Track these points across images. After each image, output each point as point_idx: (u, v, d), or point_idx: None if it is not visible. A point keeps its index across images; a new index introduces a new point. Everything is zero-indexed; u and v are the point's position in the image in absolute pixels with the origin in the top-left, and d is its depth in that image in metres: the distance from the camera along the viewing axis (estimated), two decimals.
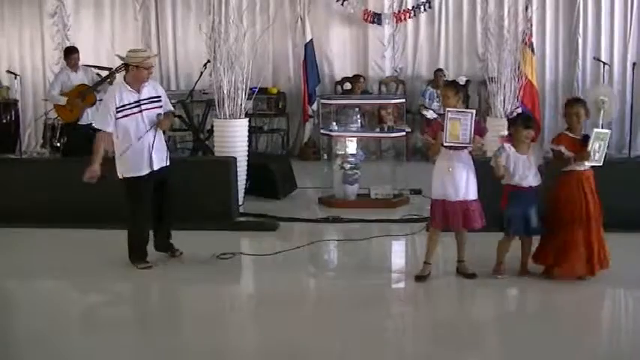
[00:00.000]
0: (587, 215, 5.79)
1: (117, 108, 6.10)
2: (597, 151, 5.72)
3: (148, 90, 6.27)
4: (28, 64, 13.21)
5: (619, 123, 11.76)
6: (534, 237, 5.98)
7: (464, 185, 5.84)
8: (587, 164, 5.79)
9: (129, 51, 6.35)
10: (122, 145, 6.18)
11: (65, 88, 9.60)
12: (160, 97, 6.37)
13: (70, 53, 9.84)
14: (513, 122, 6.06)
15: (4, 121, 12.16)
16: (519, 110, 8.81)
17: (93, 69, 9.93)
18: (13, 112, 12.27)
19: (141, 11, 12.87)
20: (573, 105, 5.89)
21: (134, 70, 6.16)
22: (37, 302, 5.83)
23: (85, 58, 10.15)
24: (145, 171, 6.21)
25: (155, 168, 6.25)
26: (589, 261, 5.80)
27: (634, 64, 11.47)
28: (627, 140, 11.69)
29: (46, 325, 5.26)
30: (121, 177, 6.29)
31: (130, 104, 6.13)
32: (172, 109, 6.68)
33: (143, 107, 6.19)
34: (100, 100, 10.09)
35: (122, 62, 6.46)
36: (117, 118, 6.12)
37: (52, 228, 7.64)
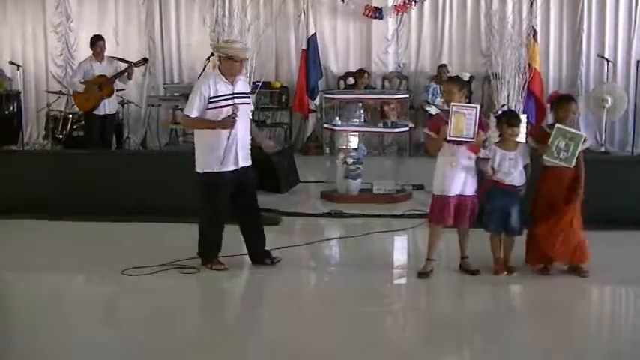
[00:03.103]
0: (559, 211, 5.79)
1: (210, 97, 5.82)
2: (563, 149, 5.64)
3: (241, 85, 6.02)
4: (31, 56, 13.17)
5: (622, 121, 11.75)
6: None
7: (462, 181, 5.84)
8: (549, 161, 5.71)
9: (223, 41, 6.14)
10: (209, 137, 5.89)
11: (87, 77, 9.67)
12: (249, 94, 6.14)
13: (96, 41, 9.86)
14: (498, 120, 6.07)
15: (7, 112, 12.15)
16: (505, 108, 8.82)
17: (118, 61, 9.93)
18: (15, 104, 12.26)
19: (145, 3, 12.83)
20: (570, 102, 5.87)
21: (226, 61, 5.87)
22: (36, 295, 5.79)
23: (88, 50, 10.14)
24: (229, 167, 5.92)
25: (240, 165, 5.98)
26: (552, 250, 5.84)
27: (638, 61, 11.42)
28: (630, 138, 11.68)
29: (47, 319, 5.27)
30: (200, 171, 5.99)
31: (224, 96, 5.85)
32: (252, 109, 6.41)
33: (237, 101, 5.89)
34: (118, 90, 10.17)
35: (211, 56, 6.23)
36: (208, 108, 5.84)
37: (54, 221, 7.62)
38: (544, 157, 5.73)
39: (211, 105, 5.84)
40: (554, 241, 5.77)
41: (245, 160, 6.04)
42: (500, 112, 6.47)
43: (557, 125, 5.70)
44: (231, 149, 5.89)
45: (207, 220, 6.08)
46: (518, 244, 6.01)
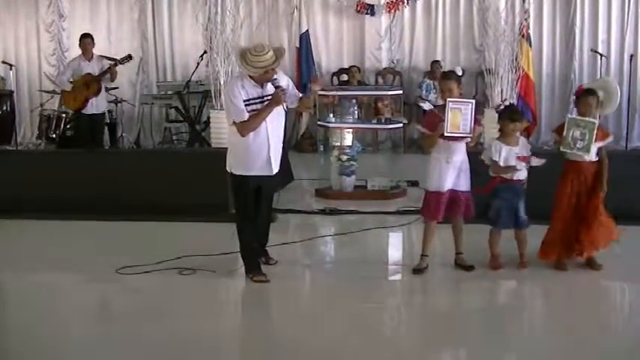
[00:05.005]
0: (576, 207, 5.84)
1: (243, 100, 5.61)
2: (579, 139, 5.66)
3: (271, 87, 5.68)
4: (24, 55, 13.14)
5: (616, 115, 11.74)
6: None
7: (455, 176, 5.84)
8: (567, 152, 5.73)
9: (251, 54, 5.59)
10: (240, 139, 5.69)
11: (76, 76, 9.65)
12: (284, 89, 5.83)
13: (82, 38, 9.85)
14: (500, 115, 6.06)
15: (0, 112, 12.11)
16: (507, 103, 8.84)
17: (107, 60, 9.90)
18: (8, 103, 12.23)
19: (137, 1, 12.80)
20: (587, 96, 5.84)
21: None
22: (31, 294, 5.79)
23: (79, 48, 10.11)
24: (260, 172, 5.76)
25: (273, 172, 5.83)
26: (570, 247, 5.89)
27: (631, 56, 11.41)
28: (624, 133, 11.69)
29: (42, 318, 5.25)
30: (229, 171, 5.86)
31: (254, 99, 5.64)
32: (300, 95, 6.05)
33: (267, 104, 5.67)
34: (107, 89, 10.13)
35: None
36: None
37: (48, 220, 7.63)
38: (561, 149, 5.73)
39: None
40: (578, 235, 5.82)
41: (277, 165, 5.87)
42: (502, 107, 6.47)
43: (568, 116, 5.77)
44: (260, 153, 5.72)
45: (240, 219, 5.94)
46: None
